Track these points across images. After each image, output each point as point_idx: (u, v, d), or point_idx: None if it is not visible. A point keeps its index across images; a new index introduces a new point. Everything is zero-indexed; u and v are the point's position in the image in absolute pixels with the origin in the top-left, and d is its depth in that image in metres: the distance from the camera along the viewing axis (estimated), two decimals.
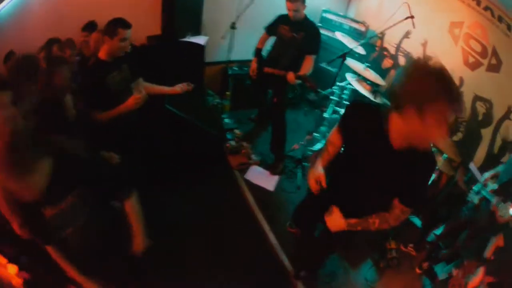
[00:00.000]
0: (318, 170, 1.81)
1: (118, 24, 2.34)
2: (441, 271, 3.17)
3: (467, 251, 2.94)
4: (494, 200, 2.58)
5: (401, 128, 1.40)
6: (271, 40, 3.46)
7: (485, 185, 2.87)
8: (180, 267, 2.56)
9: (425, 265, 3.13)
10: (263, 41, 3.40)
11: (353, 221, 1.71)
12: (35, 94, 2.04)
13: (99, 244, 1.73)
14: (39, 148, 1.32)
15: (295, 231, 2.96)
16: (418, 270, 3.15)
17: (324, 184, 1.77)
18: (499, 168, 2.94)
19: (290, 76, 3.00)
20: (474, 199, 2.87)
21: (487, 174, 2.99)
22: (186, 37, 3.54)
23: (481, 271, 2.28)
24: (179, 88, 2.88)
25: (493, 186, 2.80)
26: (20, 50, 2.58)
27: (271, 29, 3.32)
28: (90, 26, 3.07)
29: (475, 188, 2.93)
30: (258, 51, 3.35)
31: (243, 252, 2.84)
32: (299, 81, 3.07)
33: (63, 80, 2.08)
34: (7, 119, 1.65)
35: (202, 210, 3.10)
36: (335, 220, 1.75)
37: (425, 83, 1.27)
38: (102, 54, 2.41)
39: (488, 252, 2.38)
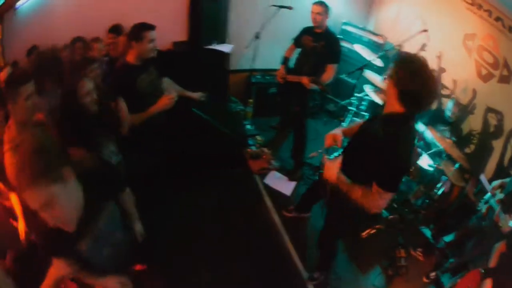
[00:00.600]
0: (337, 131, 2.12)
1: (143, 28, 2.38)
2: (447, 281, 3.21)
3: (474, 261, 2.99)
4: (497, 209, 2.63)
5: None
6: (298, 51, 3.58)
7: (493, 195, 2.91)
8: (195, 266, 2.66)
9: (433, 275, 3.15)
10: (290, 51, 3.55)
11: (343, 178, 1.85)
12: (56, 89, 2.05)
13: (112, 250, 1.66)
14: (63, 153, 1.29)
15: (291, 214, 3.20)
16: (425, 279, 3.19)
17: (340, 143, 2.07)
18: (508, 179, 2.97)
19: (305, 80, 3.12)
20: (483, 208, 2.92)
21: (495, 183, 3.03)
22: (212, 44, 3.62)
23: (489, 282, 2.30)
24: (196, 95, 2.98)
25: (500, 195, 2.84)
26: (43, 46, 2.67)
27: (297, 40, 3.46)
28: (116, 29, 3.12)
29: (485, 197, 2.97)
30: (285, 59, 3.50)
31: (258, 253, 2.92)
32: (315, 87, 3.16)
33: (86, 85, 2.04)
34: (32, 107, 1.73)
35: (222, 211, 3.22)
36: (331, 168, 1.89)
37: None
38: (130, 58, 2.45)
39: (492, 261, 2.39)
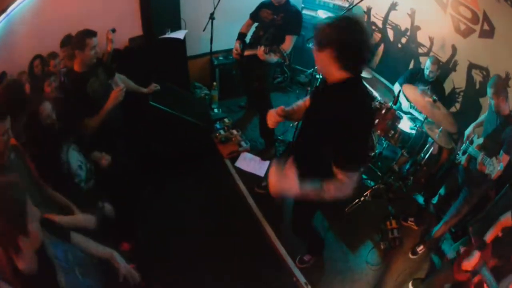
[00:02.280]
0: (278, 109, 1.87)
1: (84, 35, 2.36)
2: (449, 249, 2.99)
3: (475, 226, 2.76)
4: (479, 157, 2.37)
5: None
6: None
7: (470, 142, 2.67)
8: (173, 255, 2.53)
9: (420, 249, 2.89)
10: (247, 26, 3.34)
11: (306, 189, 1.42)
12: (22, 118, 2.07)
13: None
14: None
15: (263, 191, 3.00)
16: (411, 255, 2.90)
17: (282, 113, 1.83)
18: (482, 117, 2.77)
19: (259, 51, 2.90)
20: (462, 159, 2.67)
21: (469, 130, 2.79)
22: (166, 33, 3.49)
23: (476, 254, 2.07)
24: (148, 88, 2.99)
25: (478, 141, 2.61)
26: (10, 71, 2.68)
27: (254, 15, 3.28)
28: (67, 40, 3.05)
29: (462, 147, 2.72)
30: (241, 35, 3.29)
31: (237, 241, 2.73)
32: (272, 59, 2.93)
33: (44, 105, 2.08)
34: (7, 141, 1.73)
35: (196, 201, 3.04)
36: (289, 181, 1.40)
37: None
38: (76, 66, 2.45)
39: (491, 234, 2.15)
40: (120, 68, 2.83)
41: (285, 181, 1.37)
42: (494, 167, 2.24)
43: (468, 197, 2.64)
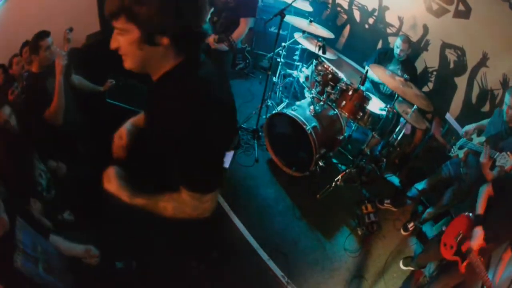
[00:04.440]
0: (125, 125, 1.42)
1: (37, 39, 2.35)
2: (430, 230, 2.93)
3: (457, 208, 2.66)
4: (485, 151, 2.21)
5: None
6: None
7: (469, 140, 2.58)
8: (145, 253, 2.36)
9: (411, 225, 2.85)
10: None
11: (138, 200, 1.17)
12: None
13: None
14: None
15: None
16: (403, 232, 2.87)
17: (125, 138, 1.37)
18: (484, 122, 2.66)
19: (210, 40, 2.76)
20: (459, 153, 2.58)
21: (469, 127, 2.70)
22: None
23: (480, 231, 1.94)
24: (101, 88, 2.88)
25: (479, 139, 2.52)
26: None
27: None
28: (26, 45, 3.05)
29: (458, 143, 2.64)
30: None
31: (207, 236, 2.58)
32: (224, 47, 2.77)
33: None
34: None
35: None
36: (111, 183, 1.21)
37: None
38: (34, 68, 2.45)
39: (481, 207, 2.05)
40: (78, 66, 2.75)
41: (109, 184, 1.19)
42: (507, 160, 2.11)
43: (458, 190, 2.57)
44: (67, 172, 2.44)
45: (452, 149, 2.68)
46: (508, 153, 2.12)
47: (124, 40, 0.99)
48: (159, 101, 1.10)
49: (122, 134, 1.38)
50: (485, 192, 2.08)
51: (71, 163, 2.50)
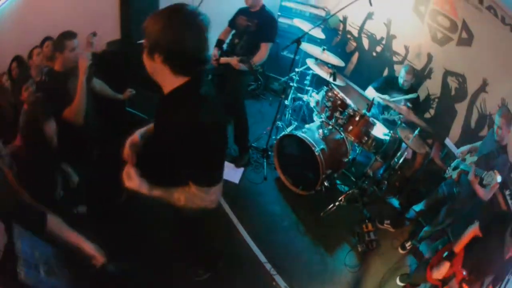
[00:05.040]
0: (136, 133, 1.63)
1: (64, 38, 2.35)
2: (426, 249, 3.05)
3: (454, 229, 2.82)
4: (472, 169, 2.41)
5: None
6: None
7: (463, 160, 2.74)
8: (151, 262, 2.47)
9: (409, 244, 3.00)
10: (225, 33, 3.35)
11: (156, 192, 1.40)
12: None
13: None
14: None
15: None
16: (401, 251, 3.03)
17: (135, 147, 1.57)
18: (477, 144, 2.82)
19: (234, 60, 2.95)
20: (453, 174, 2.75)
21: (464, 148, 2.87)
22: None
23: (444, 266, 2.13)
24: (121, 96, 2.92)
25: (472, 159, 2.67)
26: None
27: (232, 22, 3.29)
28: (47, 40, 3.07)
29: (453, 164, 2.80)
30: (219, 41, 3.30)
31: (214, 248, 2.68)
32: (246, 68, 2.96)
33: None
34: None
35: (169, 209, 3.01)
36: (131, 178, 1.42)
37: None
38: (57, 67, 2.44)
39: (461, 244, 2.21)
40: (97, 72, 2.74)
41: (130, 182, 1.40)
42: (493, 178, 2.28)
43: (450, 209, 2.73)
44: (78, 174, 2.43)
45: (447, 170, 2.84)
46: (495, 171, 2.28)
47: (144, 56, 1.29)
48: (167, 112, 1.37)
49: (134, 139, 1.60)
50: (471, 231, 2.20)
51: (82, 165, 2.51)
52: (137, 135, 1.61)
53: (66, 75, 2.44)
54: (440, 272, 2.14)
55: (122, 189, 2.79)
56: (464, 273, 2.10)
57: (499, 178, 2.28)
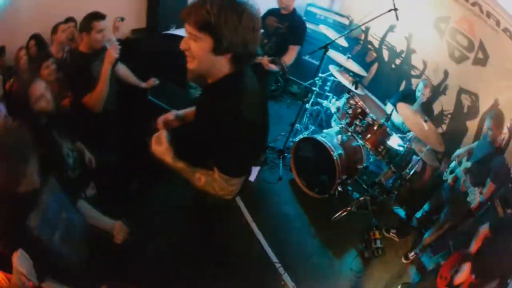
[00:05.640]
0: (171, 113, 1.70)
1: (92, 18, 2.31)
2: (428, 261, 3.12)
3: (454, 239, 2.89)
4: (462, 179, 2.51)
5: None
6: None
7: (459, 163, 2.80)
8: (164, 260, 2.48)
9: (412, 255, 3.06)
10: None
11: (179, 164, 1.41)
12: None
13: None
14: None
15: None
16: (404, 260, 3.09)
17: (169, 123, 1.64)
18: (473, 145, 2.89)
19: (264, 60, 2.99)
20: (449, 178, 2.82)
21: (460, 151, 2.93)
22: (170, 29, 3.46)
23: (467, 267, 2.20)
24: (144, 84, 2.90)
25: (466, 164, 2.74)
26: (11, 46, 2.61)
27: (261, 21, 3.31)
28: (72, 21, 3.01)
29: (449, 167, 2.87)
30: None
31: (224, 243, 2.66)
32: (274, 68, 3.00)
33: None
34: None
35: (183, 202, 2.93)
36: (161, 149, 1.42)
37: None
38: (83, 48, 2.41)
39: (474, 246, 2.29)
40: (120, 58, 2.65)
41: (158, 146, 1.41)
42: (475, 197, 2.37)
43: (449, 213, 2.79)
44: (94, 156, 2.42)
45: (444, 173, 2.92)
46: (477, 189, 2.37)
47: (196, 45, 1.21)
48: (209, 100, 1.37)
49: (167, 116, 1.66)
50: (481, 232, 2.30)
51: (99, 148, 2.51)
52: (171, 114, 1.66)
53: (91, 57, 2.41)
54: (464, 274, 2.18)
55: (136, 176, 2.83)
56: (473, 276, 2.18)
57: (481, 198, 2.39)
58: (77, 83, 2.32)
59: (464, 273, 2.19)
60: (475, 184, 2.59)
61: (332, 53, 3.22)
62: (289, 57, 3.06)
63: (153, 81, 2.93)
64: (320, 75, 3.35)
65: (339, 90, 3.67)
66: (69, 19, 3.03)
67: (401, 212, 3.45)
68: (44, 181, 1.49)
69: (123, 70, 2.71)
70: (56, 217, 1.52)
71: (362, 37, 4.29)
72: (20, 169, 1.33)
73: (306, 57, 4.19)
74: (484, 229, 2.31)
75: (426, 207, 3.16)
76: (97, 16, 2.32)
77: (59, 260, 1.53)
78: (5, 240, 1.36)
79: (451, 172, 2.84)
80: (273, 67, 2.96)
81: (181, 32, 3.39)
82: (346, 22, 4.20)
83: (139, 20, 3.42)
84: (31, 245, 1.37)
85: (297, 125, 3.59)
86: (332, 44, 3.00)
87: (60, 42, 2.80)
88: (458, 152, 2.96)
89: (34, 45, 2.81)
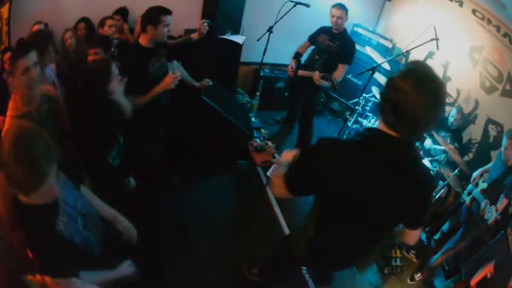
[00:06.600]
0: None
1: (160, 12, 2.32)
2: (440, 285, 3.19)
3: (466, 266, 2.99)
4: (483, 204, 2.57)
5: None
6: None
7: (475, 185, 2.89)
8: (196, 258, 2.55)
9: (417, 276, 3.10)
10: (304, 47, 3.50)
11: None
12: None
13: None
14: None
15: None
16: (410, 281, 3.12)
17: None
18: (490, 165, 2.97)
19: (315, 75, 3.07)
20: (467, 200, 2.90)
21: (477, 173, 3.01)
22: (226, 34, 3.55)
23: None
24: (200, 84, 2.96)
25: (483, 185, 2.82)
26: (54, 26, 2.71)
27: (312, 38, 3.43)
28: (122, 12, 3.11)
29: (467, 189, 2.95)
30: (297, 54, 3.45)
31: (257, 245, 2.81)
32: (325, 84, 3.11)
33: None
34: (28, 81, 1.69)
35: (223, 200, 3.15)
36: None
37: None
38: (143, 41, 2.39)
39: (475, 279, 2.38)
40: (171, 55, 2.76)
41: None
42: (492, 214, 2.46)
43: (465, 233, 2.86)
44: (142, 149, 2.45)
45: (462, 195, 2.99)
46: (494, 206, 2.44)
47: None
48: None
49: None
50: (485, 268, 2.37)
51: (147, 140, 2.56)
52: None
53: (150, 52, 2.41)
54: None
55: (181, 171, 2.89)
56: None
57: (497, 214, 2.45)
58: (134, 77, 2.26)
59: None
60: (491, 203, 2.69)
61: (375, 75, 3.31)
62: (339, 74, 3.14)
63: (207, 82, 3.00)
64: (365, 95, 3.44)
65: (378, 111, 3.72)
66: (118, 10, 3.06)
67: (422, 235, 3.55)
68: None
69: (178, 68, 2.75)
70: (75, 210, 1.50)
71: (403, 61, 4.36)
72: (41, 177, 1.21)
73: (349, 76, 4.28)
74: (489, 266, 2.38)
75: (444, 228, 3.26)
76: (164, 10, 2.35)
77: (88, 248, 1.53)
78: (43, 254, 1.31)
79: (469, 193, 2.92)
80: (322, 83, 3.04)
81: (236, 38, 3.49)
82: (389, 45, 4.29)
83: (193, 20, 3.50)
84: (64, 247, 1.36)
85: None
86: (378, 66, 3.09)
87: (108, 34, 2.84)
88: (474, 174, 3.04)
89: (83, 28, 2.88)
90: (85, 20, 2.97)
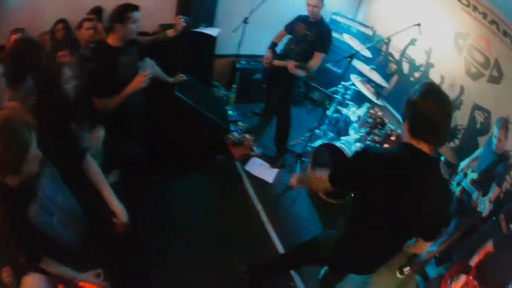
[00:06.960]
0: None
1: (127, 8, 2.30)
2: (432, 272, 3.17)
3: (458, 252, 2.95)
4: (474, 195, 2.55)
5: None
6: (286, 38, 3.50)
7: (464, 175, 2.85)
8: (176, 257, 2.49)
9: (406, 270, 3.07)
10: (279, 37, 3.45)
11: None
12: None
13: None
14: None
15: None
16: (399, 275, 3.09)
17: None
18: (477, 152, 2.95)
19: (290, 65, 3.02)
20: (456, 191, 2.85)
21: (465, 163, 2.97)
22: (200, 27, 3.51)
23: (463, 278, 2.29)
24: (174, 79, 2.93)
25: (472, 175, 2.79)
26: (31, 30, 2.67)
27: (289, 27, 3.38)
28: (97, 11, 3.03)
29: (455, 180, 2.90)
30: (273, 44, 3.40)
31: (239, 240, 2.80)
32: (300, 73, 3.05)
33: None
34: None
35: (202, 197, 3.09)
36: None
37: None
38: (112, 40, 2.37)
39: (475, 259, 2.36)
40: (145, 52, 2.74)
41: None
42: (485, 206, 2.43)
43: (458, 225, 2.82)
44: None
45: (452, 186, 2.93)
46: (487, 198, 2.44)
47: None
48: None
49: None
50: (484, 248, 2.36)
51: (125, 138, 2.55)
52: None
53: (118, 51, 2.38)
54: (458, 285, 2.28)
55: (159, 170, 2.86)
56: (475, 283, 2.26)
57: (491, 206, 2.47)
58: (99, 78, 2.27)
59: (460, 283, 2.28)
60: (484, 193, 2.64)
61: (355, 62, 3.26)
62: (314, 63, 3.09)
63: (180, 77, 2.95)
64: (343, 83, 3.39)
65: (358, 99, 3.70)
66: (95, 10, 3.01)
67: None
68: (41, 167, 1.47)
69: (151, 65, 2.72)
70: (52, 203, 1.53)
71: (384, 48, 4.32)
72: (22, 153, 1.30)
73: (328, 65, 4.23)
74: (488, 245, 2.38)
75: None
76: (130, 7, 2.31)
77: (59, 243, 1.56)
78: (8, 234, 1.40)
79: (458, 184, 2.88)
80: (298, 72, 2.99)
81: (209, 31, 3.45)
82: (370, 32, 4.24)
83: (168, 15, 3.45)
84: (31, 233, 1.42)
85: (317, 131, 3.61)
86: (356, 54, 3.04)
87: (83, 39, 2.81)
88: (462, 164, 3.00)
89: (61, 29, 2.82)
90: (63, 21, 2.93)
